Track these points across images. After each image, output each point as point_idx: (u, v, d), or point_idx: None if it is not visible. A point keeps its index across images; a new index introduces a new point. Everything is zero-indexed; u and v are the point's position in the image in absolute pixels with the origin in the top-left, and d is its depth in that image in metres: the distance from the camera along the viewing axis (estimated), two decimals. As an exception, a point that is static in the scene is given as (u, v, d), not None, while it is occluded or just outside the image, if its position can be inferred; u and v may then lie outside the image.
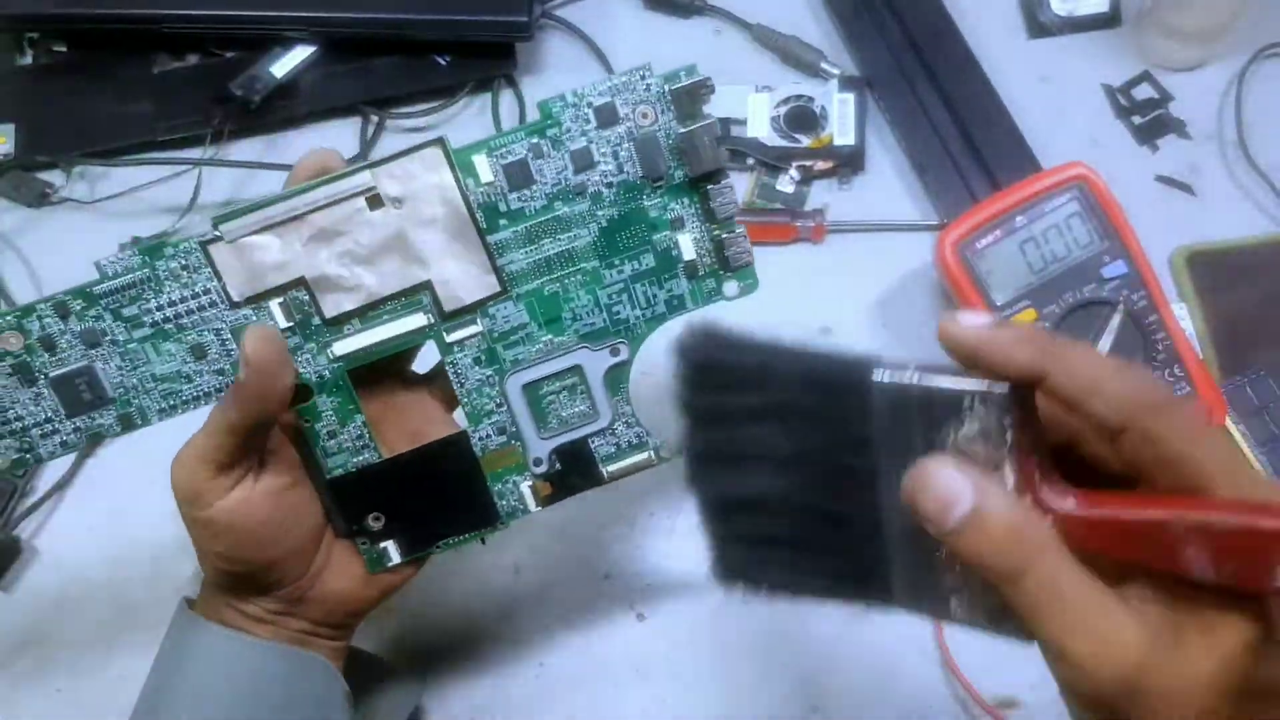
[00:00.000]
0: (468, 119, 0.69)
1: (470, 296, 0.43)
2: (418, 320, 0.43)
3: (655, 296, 0.44)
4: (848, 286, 0.64)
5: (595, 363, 0.44)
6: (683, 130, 0.42)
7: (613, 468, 0.46)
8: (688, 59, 0.68)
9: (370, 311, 0.42)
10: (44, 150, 0.67)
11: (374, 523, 0.45)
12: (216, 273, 0.41)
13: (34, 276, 0.65)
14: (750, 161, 0.66)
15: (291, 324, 0.42)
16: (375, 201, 0.41)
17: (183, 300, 0.42)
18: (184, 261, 0.41)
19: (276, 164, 0.66)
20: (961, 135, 0.65)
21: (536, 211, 0.43)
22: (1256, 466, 0.59)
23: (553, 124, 0.42)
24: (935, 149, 0.65)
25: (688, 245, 0.44)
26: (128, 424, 0.44)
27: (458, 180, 0.41)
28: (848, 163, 0.65)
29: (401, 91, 0.68)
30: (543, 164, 0.42)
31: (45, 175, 0.67)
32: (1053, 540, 0.30)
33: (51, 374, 0.42)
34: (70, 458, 0.61)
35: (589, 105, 0.42)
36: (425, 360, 0.46)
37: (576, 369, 0.44)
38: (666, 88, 0.42)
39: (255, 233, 0.41)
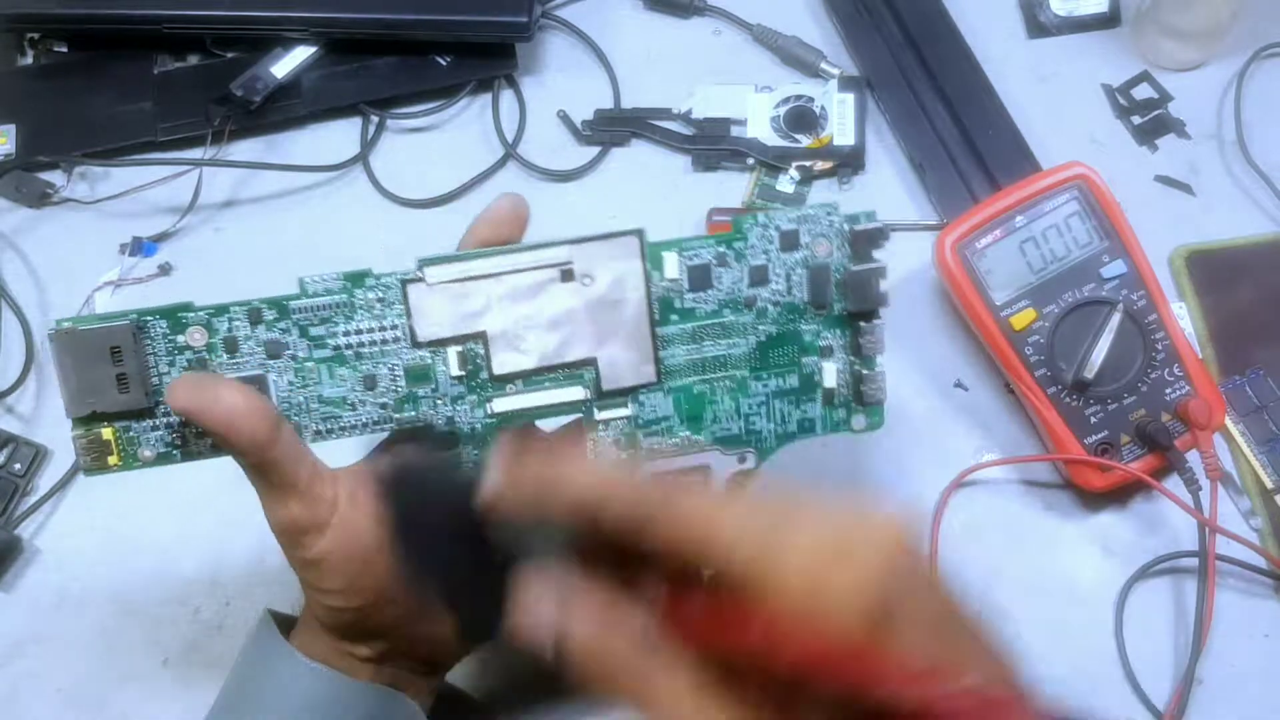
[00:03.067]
0: (468, 119, 0.69)
1: (628, 381, 0.44)
2: (576, 393, 0.44)
3: (790, 415, 0.46)
4: (847, 286, 0.64)
5: (723, 466, 0.46)
6: (854, 269, 0.44)
7: None
8: (688, 59, 0.69)
9: (534, 376, 0.44)
10: (45, 150, 0.67)
11: None
12: (408, 311, 0.42)
13: (35, 277, 0.65)
14: (750, 161, 0.66)
15: (462, 373, 0.43)
16: (568, 275, 0.43)
17: (369, 331, 0.42)
18: (382, 295, 0.42)
19: (277, 164, 0.66)
20: (961, 135, 0.65)
21: (706, 314, 0.44)
22: (1256, 466, 0.59)
23: (740, 238, 0.44)
24: (935, 149, 0.65)
25: (830, 373, 0.45)
26: None
27: (646, 271, 0.43)
28: (847, 163, 0.65)
29: (402, 92, 0.68)
30: (723, 272, 0.44)
31: (46, 175, 0.67)
32: (653, 661, 0.29)
33: (226, 376, 0.42)
34: (71, 458, 0.61)
35: (776, 228, 0.44)
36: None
37: (705, 469, 0.45)
38: (847, 227, 0.44)
39: (454, 281, 0.42)
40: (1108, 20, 0.70)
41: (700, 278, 0.44)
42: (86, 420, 0.41)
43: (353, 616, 0.42)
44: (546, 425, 0.46)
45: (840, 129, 0.66)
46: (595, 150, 0.67)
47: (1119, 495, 0.59)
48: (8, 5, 0.67)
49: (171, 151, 0.67)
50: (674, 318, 0.44)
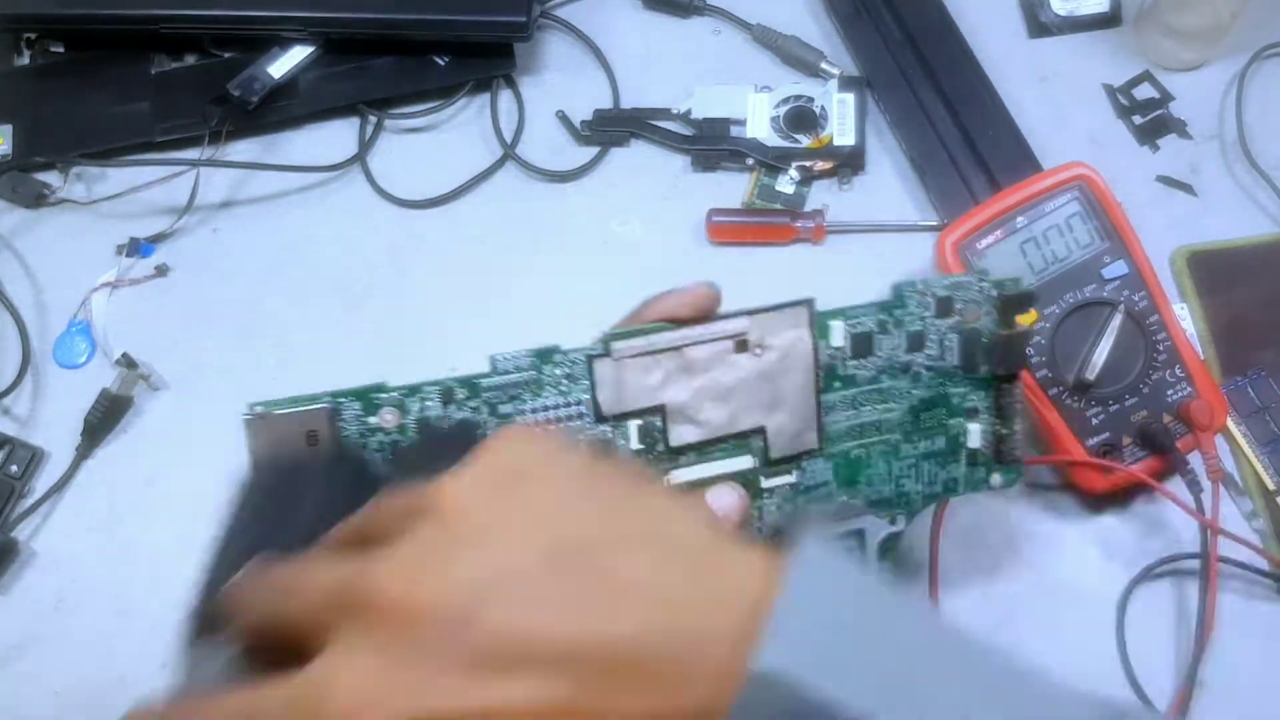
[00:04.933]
0: (466, 120, 0.69)
1: (794, 448, 0.45)
2: (745, 462, 0.44)
3: (936, 476, 0.47)
4: (848, 287, 0.63)
5: (876, 529, 0.47)
6: (1002, 333, 0.46)
7: None
8: (688, 59, 0.69)
9: (707, 447, 0.44)
10: (42, 151, 0.67)
11: None
12: (594, 386, 0.42)
13: (32, 278, 0.65)
14: (750, 162, 0.66)
15: (642, 446, 0.43)
16: (742, 346, 0.43)
17: (556, 406, 0.42)
18: (569, 371, 0.42)
19: (275, 165, 0.66)
20: (962, 135, 0.65)
21: (866, 380, 0.46)
22: (1258, 468, 0.59)
23: (900, 305, 0.45)
24: (935, 149, 0.65)
25: (975, 435, 0.47)
26: None
27: (814, 339, 0.44)
28: (847, 163, 0.65)
29: (400, 92, 0.68)
30: (884, 339, 0.45)
31: (43, 176, 0.67)
32: None
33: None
34: (68, 460, 0.61)
35: (932, 295, 0.45)
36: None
37: (860, 534, 0.46)
38: (995, 292, 0.46)
39: (638, 355, 0.42)
40: (1109, 20, 0.70)
41: (863, 345, 0.45)
42: None
43: None
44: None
45: (840, 129, 0.65)
46: (594, 150, 0.67)
47: (1120, 497, 0.59)
48: (4, 5, 0.67)
49: (169, 152, 0.67)
50: (836, 384, 0.45)
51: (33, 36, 0.70)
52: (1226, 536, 0.55)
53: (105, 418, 0.60)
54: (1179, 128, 0.66)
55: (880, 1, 0.68)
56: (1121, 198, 0.58)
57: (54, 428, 0.62)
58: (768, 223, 0.64)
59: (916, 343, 0.46)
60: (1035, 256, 0.57)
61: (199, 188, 0.65)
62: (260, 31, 0.66)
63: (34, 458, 0.61)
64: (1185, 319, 0.61)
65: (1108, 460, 0.56)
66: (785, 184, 0.65)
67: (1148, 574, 0.57)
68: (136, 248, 0.65)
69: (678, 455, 0.44)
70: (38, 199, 0.66)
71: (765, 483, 0.45)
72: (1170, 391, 0.56)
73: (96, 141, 0.67)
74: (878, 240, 0.65)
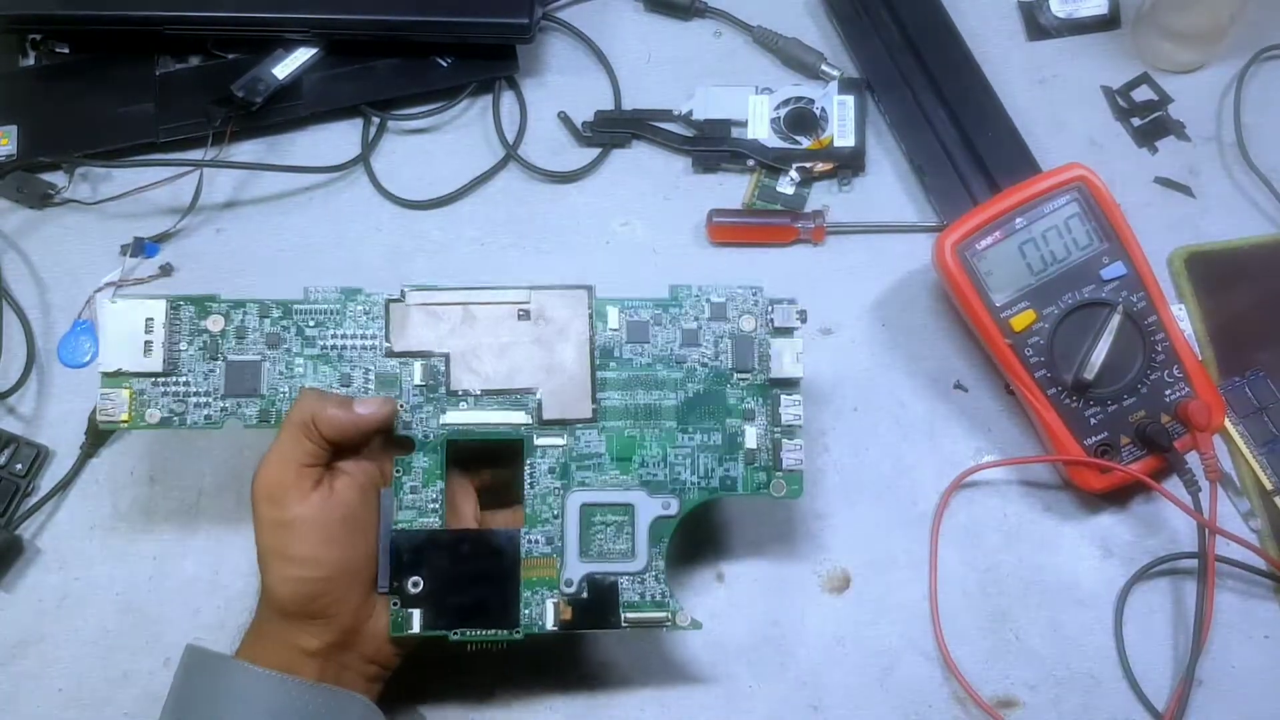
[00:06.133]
0: (469, 121, 0.69)
1: (566, 414, 0.51)
2: (519, 417, 0.51)
3: (713, 471, 0.51)
4: (848, 288, 0.64)
5: (647, 509, 0.50)
6: (774, 341, 0.51)
7: (631, 616, 0.50)
8: (689, 61, 0.69)
9: (485, 397, 0.51)
10: (46, 151, 0.67)
11: (412, 587, 0.49)
12: (387, 325, 0.51)
13: (36, 277, 0.65)
14: (750, 163, 0.66)
15: (423, 384, 0.51)
16: (524, 314, 0.51)
17: (353, 337, 0.51)
18: (368, 309, 0.51)
19: (278, 165, 0.66)
20: (961, 137, 0.65)
21: (641, 366, 0.51)
22: (1255, 468, 0.59)
23: (675, 304, 0.52)
24: (935, 151, 0.65)
25: (752, 436, 0.51)
26: (264, 419, 0.50)
27: (591, 320, 0.51)
28: (847, 164, 0.65)
29: (403, 93, 0.68)
30: (658, 331, 0.52)
31: (48, 176, 0.67)
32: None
33: (230, 358, 0.50)
34: (72, 459, 0.61)
35: (708, 300, 0.52)
36: None
37: (629, 508, 0.50)
38: (770, 306, 0.51)
39: (428, 305, 0.51)
40: (1107, 22, 0.70)
41: (638, 332, 0.51)
42: (113, 377, 0.50)
43: (312, 589, 0.46)
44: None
45: (840, 131, 0.66)
46: (596, 151, 0.67)
47: (1118, 496, 0.59)
48: (10, 6, 0.67)
49: (173, 153, 0.67)
50: (612, 365, 0.51)
51: (38, 37, 0.70)
52: (1224, 536, 0.55)
53: (109, 416, 0.61)
54: (1177, 129, 0.67)
55: (880, 4, 0.68)
56: (1120, 199, 0.58)
57: (58, 426, 0.62)
58: (768, 223, 0.64)
59: (691, 339, 0.51)
60: (1034, 257, 0.57)
61: (203, 188, 0.65)
62: (264, 33, 0.66)
63: (39, 456, 0.61)
64: (1183, 319, 0.62)
65: (1106, 460, 0.56)
66: (785, 185, 0.66)
67: (1145, 573, 0.58)
68: (141, 247, 0.65)
69: (457, 399, 0.50)
70: (43, 199, 0.67)
71: (538, 440, 0.51)
72: (1168, 392, 0.57)
73: (101, 142, 0.67)
74: (877, 241, 0.65)
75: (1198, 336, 0.61)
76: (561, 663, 0.56)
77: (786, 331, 0.51)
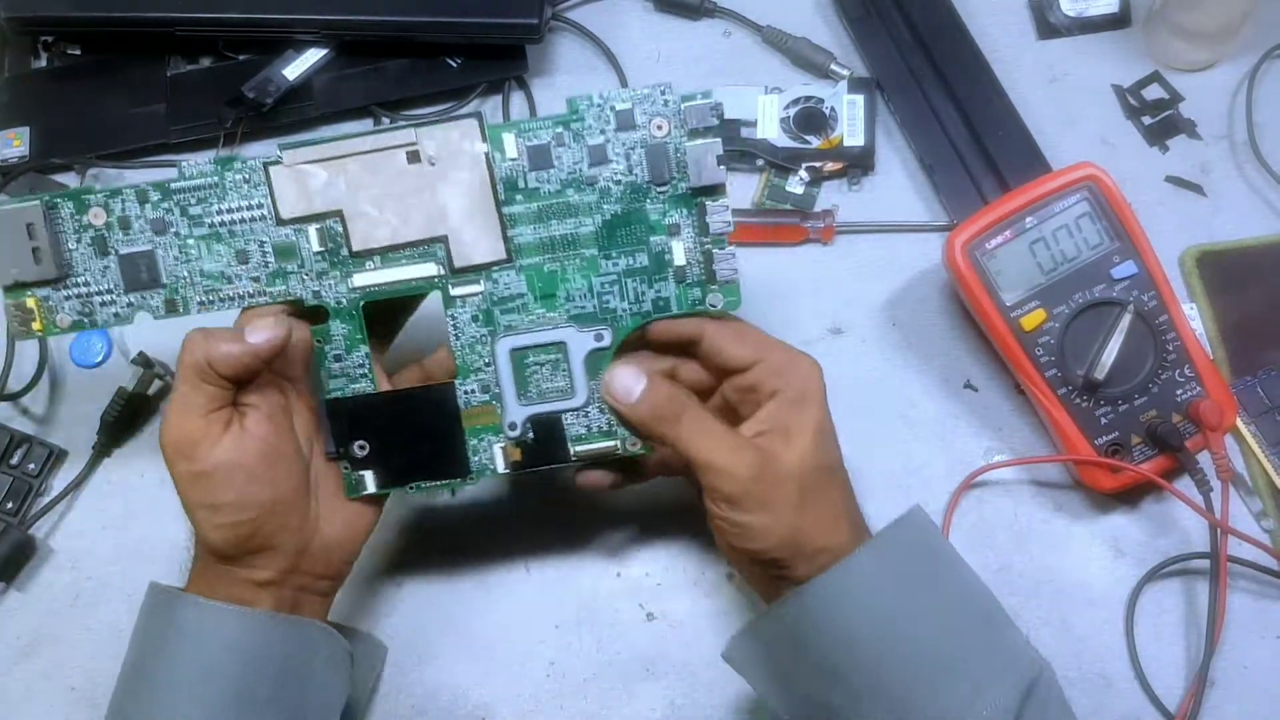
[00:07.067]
0: (478, 121, 0.69)
1: (479, 258, 0.47)
2: (430, 269, 0.48)
3: (644, 294, 0.48)
4: (858, 287, 0.64)
5: (579, 343, 0.48)
6: (691, 145, 0.46)
7: (580, 449, 0.49)
8: (698, 61, 0.69)
9: (391, 253, 0.47)
10: (58, 152, 0.67)
11: (359, 450, 0.49)
12: (271, 192, 0.47)
13: (49, 278, 0.66)
14: (760, 163, 0.66)
15: (323, 249, 0.47)
16: (413, 157, 0.47)
17: (239, 209, 0.47)
18: (247, 176, 0.47)
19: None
20: (971, 136, 0.65)
21: (550, 194, 0.47)
22: (1267, 467, 0.59)
23: (577, 119, 0.47)
24: (945, 150, 0.65)
25: (680, 252, 0.48)
26: (171, 308, 0.49)
27: (488, 151, 0.46)
28: (857, 164, 0.65)
29: (413, 94, 0.68)
30: (563, 152, 0.47)
31: (60, 177, 0.67)
32: (694, 400, 0.46)
33: (121, 251, 0.48)
34: (85, 458, 0.61)
35: (611, 108, 0.47)
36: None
37: (561, 345, 0.48)
38: (682, 105, 0.47)
39: (309, 163, 0.47)
40: (1118, 21, 0.70)
41: (540, 157, 0.47)
42: (12, 289, 0.48)
43: (247, 529, 0.45)
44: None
45: (850, 130, 0.66)
46: (605, 151, 0.67)
47: (1130, 496, 0.59)
48: (21, 8, 0.67)
49: (184, 153, 0.67)
50: (519, 198, 0.47)
51: (50, 39, 0.71)
52: (1236, 536, 0.55)
53: (122, 416, 0.61)
54: (1188, 128, 0.66)
55: (890, 3, 0.68)
56: (1131, 198, 0.58)
57: (71, 426, 0.62)
58: (778, 223, 0.64)
59: (599, 156, 0.47)
60: (1045, 256, 0.57)
61: (214, 189, 0.66)
62: (275, 34, 0.67)
63: (51, 456, 0.61)
64: (1194, 319, 0.61)
65: (1117, 459, 0.56)
66: (795, 185, 0.66)
67: (1157, 573, 0.57)
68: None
69: (362, 259, 0.47)
70: (55, 200, 0.67)
71: (454, 290, 0.48)
72: (1179, 391, 0.57)
73: (113, 143, 0.67)
74: (887, 240, 0.65)
75: (1209, 336, 0.61)
76: (574, 663, 0.56)
77: (704, 132, 0.46)
